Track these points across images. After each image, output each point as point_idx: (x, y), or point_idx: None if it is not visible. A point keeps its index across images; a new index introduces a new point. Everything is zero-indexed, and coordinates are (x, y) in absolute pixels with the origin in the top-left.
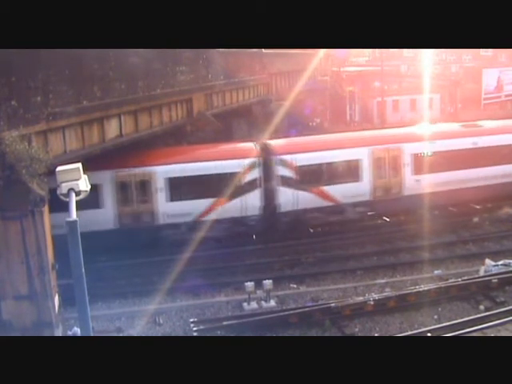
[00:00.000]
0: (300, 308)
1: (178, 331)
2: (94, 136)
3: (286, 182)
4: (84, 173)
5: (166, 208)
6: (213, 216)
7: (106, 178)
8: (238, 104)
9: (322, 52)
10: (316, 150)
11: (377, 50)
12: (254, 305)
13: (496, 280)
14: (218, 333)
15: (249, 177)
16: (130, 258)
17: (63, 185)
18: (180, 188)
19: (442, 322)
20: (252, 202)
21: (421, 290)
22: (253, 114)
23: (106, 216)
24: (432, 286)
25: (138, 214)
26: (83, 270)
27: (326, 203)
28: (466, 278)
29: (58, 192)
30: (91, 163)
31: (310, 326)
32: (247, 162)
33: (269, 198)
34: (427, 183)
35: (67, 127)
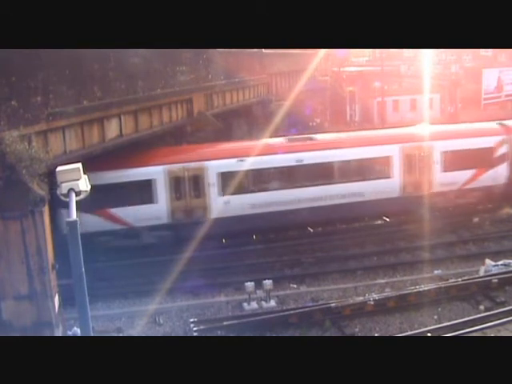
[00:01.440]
0: (300, 308)
1: (178, 331)
2: (94, 136)
3: None
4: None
5: (440, 178)
6: (471, 185)
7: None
8: (238, 104)
9: (322, 52)
10: None
11: (377, 50)
12: (254, 305)
13: (496, 280)
14: (218, 333)
15: (500, 151)
16: (130, 258)
17: (63, 185)
18: (450, 160)
19: (442, 322)
20: (501, 172)
21: (421, 289)
22: (253, 114)
23: (393, 185)
24: (432, 285)
25: (419, 183)
26: (83, 269)
27: None
28: (466, 277)
29: (58, 192)
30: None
31: (310, 326)
32: (499, 138)
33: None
34: None
35: (67, 127)
